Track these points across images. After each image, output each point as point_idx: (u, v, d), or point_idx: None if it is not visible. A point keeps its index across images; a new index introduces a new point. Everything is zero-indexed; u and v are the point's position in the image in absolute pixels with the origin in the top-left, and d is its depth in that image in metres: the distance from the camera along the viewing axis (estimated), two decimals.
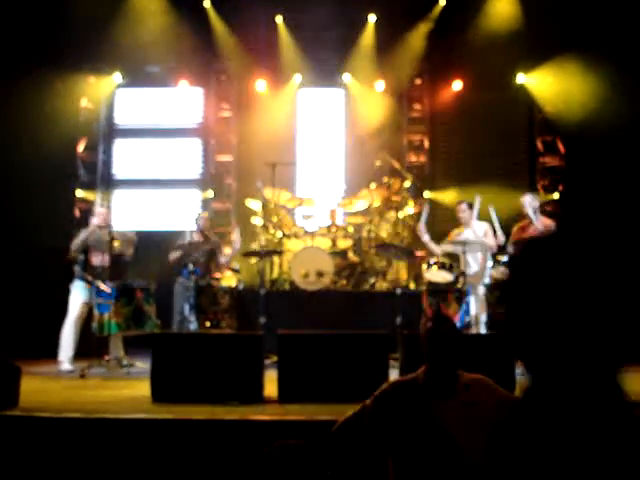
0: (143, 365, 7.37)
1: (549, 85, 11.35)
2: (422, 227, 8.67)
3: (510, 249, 8.23)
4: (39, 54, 10.03)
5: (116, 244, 8.13)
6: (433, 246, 8.63)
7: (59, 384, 7.04)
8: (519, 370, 6.97)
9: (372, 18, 11.72)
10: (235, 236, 9.03)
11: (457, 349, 3.28)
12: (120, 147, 12.09)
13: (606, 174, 10.27)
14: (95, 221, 8.34)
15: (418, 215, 10.83)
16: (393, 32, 11.56)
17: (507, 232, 8.61)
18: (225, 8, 11.62)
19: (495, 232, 8.37)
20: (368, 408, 3.30)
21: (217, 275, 9.04)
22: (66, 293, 8.17)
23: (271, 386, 5.87)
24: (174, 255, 8.74)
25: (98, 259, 8.16)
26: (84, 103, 11.51)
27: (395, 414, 3.20)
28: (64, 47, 10.32)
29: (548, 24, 10.71)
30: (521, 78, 11.60)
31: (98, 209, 8.59)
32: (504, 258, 8.03)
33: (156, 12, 11.09)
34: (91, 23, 10.49)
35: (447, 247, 8.55)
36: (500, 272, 7.94)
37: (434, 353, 3.27)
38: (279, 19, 11.79)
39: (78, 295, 8.10)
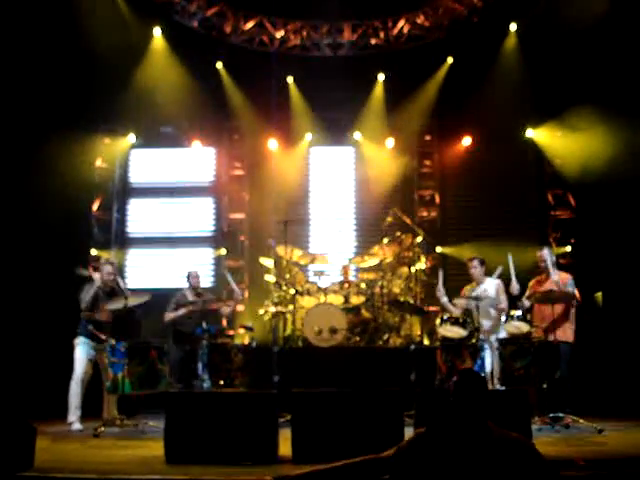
0: (156, 424, 7.34)
1: (558, 139, 11.46)
2: (441, 290, 8.68)
3: (526, 302, 8.20)
4: (55, 116, 10.23)
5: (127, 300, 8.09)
6: (451, 307, 8.61)
7: (73, 444, 6.99)
8: (535, 426, 6.92)
9: (381, 77, 11.93)
10: (233, 287, 9.09)
11: (485, 401, 3.26)
12: (134, 206, 12.23)
13: (617, 225, 10.29)
14: (101, 276, 8.41)
15: (430, 270, 10.87)
16: (402, 90, 11.77)
17: (523, 286, 8.62)
18: (237, 69, 11.87)
19: (511, 281, 8.37)
20: (392, 459, 3.28)
21: (230, 332, 9.04)
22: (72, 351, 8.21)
23: (285, 445, 5.82)
24: (170, 316, 8.84)
25: (104, 314, 8.19)
26: (99, 163, 11.70)
27: (420, 466, 3.17)
28: (80, 109, 10.54)
29: (555, 79, 10.88)
30: (530, 133, 11.72)
31: (105, 268, 8.58)
32: (518, 312, 7.99)
33: (169, 74, 11.32)
34: (106, 86, 10.74)
35: (461, 302, 8.54)
36: (514, 326, 7.89)
37: (462, 406, 3.24)
38: (290, 79, 12.01)
39: (82, 352, 8.12)
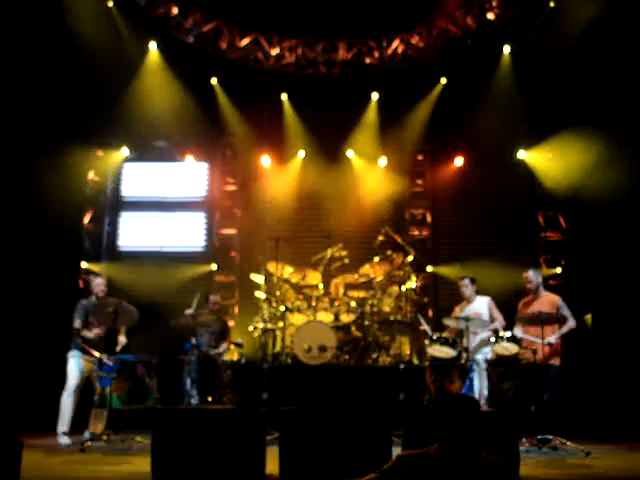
0: (143, 440, 7.30)
1: (549, 161, 11.51)
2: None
3: (518, 329, 8.24)
4: (48, 128, 10.22)
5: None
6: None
7: (59, 458, 6.94)
8: (523, 447, 6.91)
9: (375, 96, 11.99)
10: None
11: (475, 428, 3.25)
12: (126, 220, 12.21)
13: (607, 247, 10.34)
14: (94, 292, 8.44)
15: (421, 289, 10.89)
16: (395, 109, 11.81)
17: (510, 307, 8.66)
18: (232, 85, 11.90)
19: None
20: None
21: (220, 349, 9.04)
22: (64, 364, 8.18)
23: (273, 463, 5.79)
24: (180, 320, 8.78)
25: (96, 329, 8.18)
26: (91, 176, 11.68)
27: None
28: (73, 121, 10.54)
29: (548, 102, 10.96)
30: (521, 154, 11.78)
31: (96, 280, 8.60)
32: (507, 333, 8.00)
33: (164, 88, 11.33)
34: (100, 98, 10.75)
35: (451, 322, 8.54)
36: (503, 347, 7.90)
37: (452, 431, 3.23)
38: (284, 96, 12.05)
39: (75, 365, 8.11)
